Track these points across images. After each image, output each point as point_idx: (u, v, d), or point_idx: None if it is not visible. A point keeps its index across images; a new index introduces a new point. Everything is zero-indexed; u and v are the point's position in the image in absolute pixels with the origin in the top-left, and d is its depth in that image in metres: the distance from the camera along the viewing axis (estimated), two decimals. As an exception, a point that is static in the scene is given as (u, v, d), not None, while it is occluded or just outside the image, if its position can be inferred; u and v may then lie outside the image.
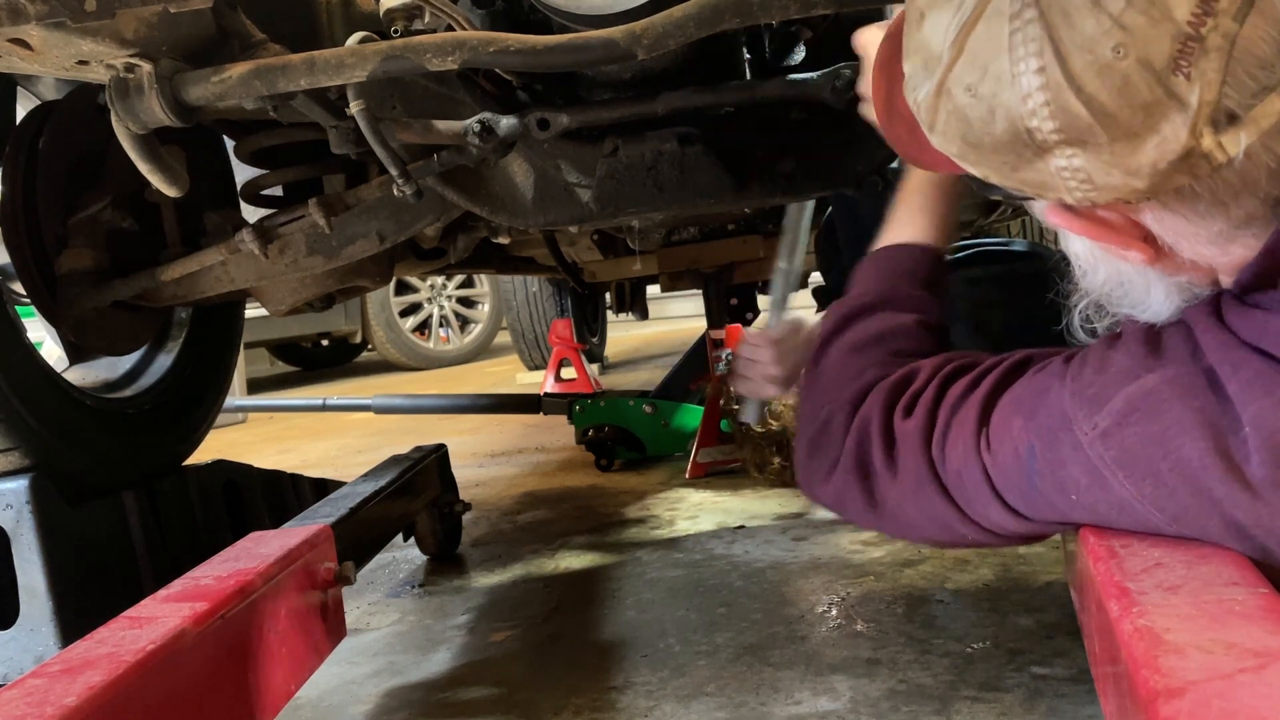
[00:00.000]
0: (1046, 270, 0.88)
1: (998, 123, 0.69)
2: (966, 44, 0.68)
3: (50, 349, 2.94)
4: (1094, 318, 0.84)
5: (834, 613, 1.58)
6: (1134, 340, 0.78)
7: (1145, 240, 0.74)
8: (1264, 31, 0.62)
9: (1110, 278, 0.79)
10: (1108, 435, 0.76)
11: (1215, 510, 0.72)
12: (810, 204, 1.76)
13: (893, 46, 0.81)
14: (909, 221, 1.13)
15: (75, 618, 1.39)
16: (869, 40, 1.07)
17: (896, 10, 1.09)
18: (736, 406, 2.49)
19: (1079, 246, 0.80)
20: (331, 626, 1.24)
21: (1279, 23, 0.62)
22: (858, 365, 1.03)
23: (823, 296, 2.21)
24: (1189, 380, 0.72)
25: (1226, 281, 0.74)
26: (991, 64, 0.67)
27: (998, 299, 1.53)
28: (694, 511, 2.31)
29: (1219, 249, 0.72)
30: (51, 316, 1.61)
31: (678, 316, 8.63)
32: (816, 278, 3.15)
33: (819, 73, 1.32)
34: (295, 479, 2.07)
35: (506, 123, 1.29)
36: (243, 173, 1.68)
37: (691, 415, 2.76)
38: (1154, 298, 0.78)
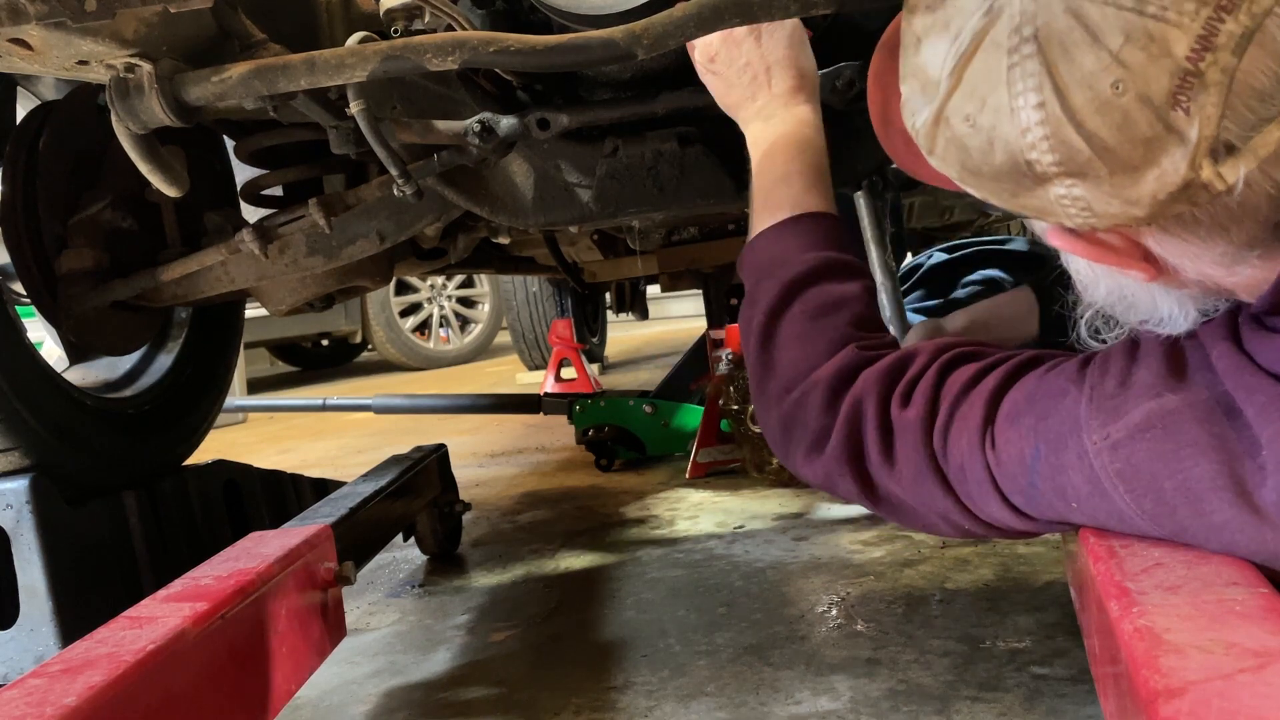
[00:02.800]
0: (1031, 254, 0.88)
1: (997, 153, 0.69)
2: (965, 75, 0.69)
3: (50, 349, 2.94)
4: (1102, 329, 0.83)
5: (834, 613, 1.58)
6: (1155, 357, 0.77)
7: (1146, 260, 0.74)
8: (1263, 64, 0.62)
9: (1111, 291, 0.79)
10: (1117, 447, 0.75)
11: (1214, 535, 0.72)
12: None
13: (887, 59, 0.81)
14: (806, 189, 1.08)
15: (75, 618, 1.39)
16: None
17: None
18: (736, 407, 2.49)
19: (1078, 263, 0.80)
20: (331, 626, 1.24)
21: (1278, 55, 0.62)
22: (820, 337, 0.99)
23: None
24: (1208, 405, 0.72)
25: (1245, 298, 0.74)
26: (990, 96, 0.68)
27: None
28: (694, 511, 2.32)
29: (1225, 270, 0.72)
30: (51, 316, 1.61)
31: (678, 316, 8.64)
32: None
33: (819, 72, 1.32)
34: (295, 479, 2.07)
35: (506, 123, 1.29)
36: (243, 173, 1.68)
37: (691, 415, 2.76)
38: (1164, 310, 0.78)
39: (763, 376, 1.03)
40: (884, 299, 1.73)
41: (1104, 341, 0.83)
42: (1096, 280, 0.80)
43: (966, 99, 0.69)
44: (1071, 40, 0.64)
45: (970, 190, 0.75)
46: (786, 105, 1.14)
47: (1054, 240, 0.76)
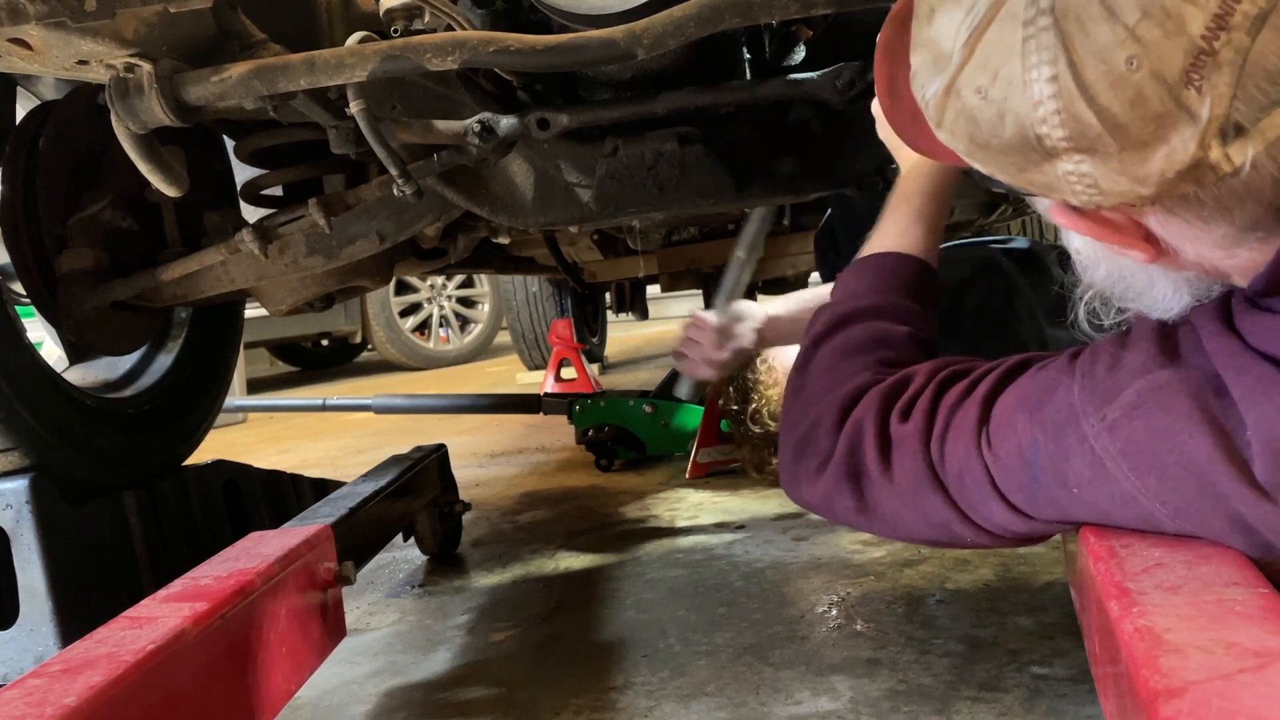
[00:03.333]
0: (1028, 251, 0.88)
1: (1007, 126, 0.69)
2: (978, 46, 0.69)
3: (50, 349, 2.94)
4: (1101, 312, 0.84)
5: (834, 613, 1.58)
6: (1146, 340, 0.78)
7: (1147, 240, 0.74)
8: (1276, 46, 0.62)
9: (1111, 273, 0.80)
10: (1115, 427, 0.76)
11: (1220, 506, 0.72)
12: None
13: (897, 31, 0.81)
14: (904, 230, 1.11)
15: (75, 618, 1.39)
16: None
17: None
18: (736, 407, 2.49)
19: (1079, 242, 0.81)
20: (331, 626, 1.24)
21: None
22: (847, 370, 1.02)
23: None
24: (1198, 381, 0.73)
25: (1240, 281, 0.74)
26: (1003, 68, 0.67)
27: (977, 276, 1.53)
28: (694, 511, 2.32)
29: (1224, 252, 0.72)
30: (51, 316, 1.61)
31: (678, 316, 8.64)
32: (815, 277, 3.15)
33: (819, 72, 1.32)
34: (295, 479, 2.07)
35: (506, 123, 1.29)
36: (243, 173, 1.68)
37: (691, 415, 2.76)
38: (1159, 293, 0.78)
39: (792, 402, 1.05)
40: (726, 280, 1.77)
41: (1101, 326, 0.84)
42: (1097, 261, 0.80)
43: (979, 71, 0.69)
44: (1088, 14, 0.64)
45: (976, 165, 0.76)
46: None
47: (1057, 217, 0.77)
